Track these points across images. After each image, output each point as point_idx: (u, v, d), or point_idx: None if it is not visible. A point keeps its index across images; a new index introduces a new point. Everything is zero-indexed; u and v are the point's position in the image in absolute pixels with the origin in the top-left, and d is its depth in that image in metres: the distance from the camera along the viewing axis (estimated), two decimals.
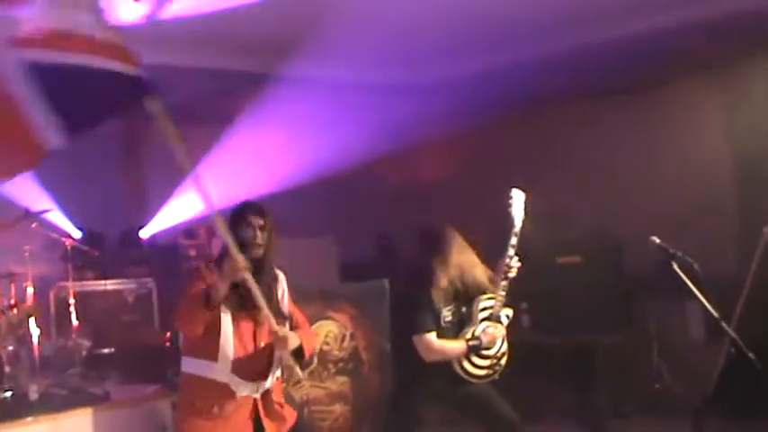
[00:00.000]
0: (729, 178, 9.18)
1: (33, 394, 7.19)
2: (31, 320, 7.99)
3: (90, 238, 9.68)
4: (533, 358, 8.46)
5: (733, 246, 8.78)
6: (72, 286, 8.60)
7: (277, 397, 4.75)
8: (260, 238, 4.66)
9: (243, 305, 4.54)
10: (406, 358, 5.63)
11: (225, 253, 4.39)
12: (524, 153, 10.50)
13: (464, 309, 5.63)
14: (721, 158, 9.25)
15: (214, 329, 4.47)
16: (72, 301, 8.52)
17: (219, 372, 4.51)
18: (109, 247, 10.12)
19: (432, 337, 5.42)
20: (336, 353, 6.80)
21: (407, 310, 5.54)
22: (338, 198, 11.33)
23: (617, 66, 8.90)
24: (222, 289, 4.31)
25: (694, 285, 5.16)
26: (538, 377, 8.53)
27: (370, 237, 11.38)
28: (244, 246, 4.47)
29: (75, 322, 8.43)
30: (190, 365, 4.63)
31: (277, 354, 4.54)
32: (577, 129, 10.16)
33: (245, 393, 4.56)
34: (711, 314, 5.14)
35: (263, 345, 4.62)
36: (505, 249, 5.55)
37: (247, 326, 4.60)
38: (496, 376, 5.65)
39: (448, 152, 11.73)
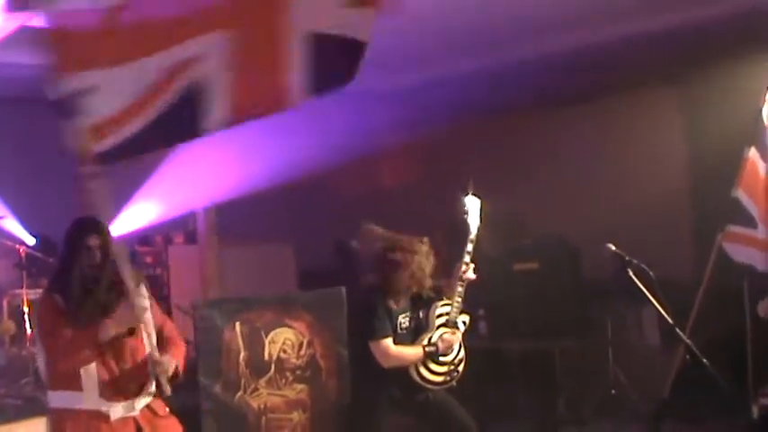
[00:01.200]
0: (685, 185, 9.28)
1: None
2: None
3: (44, 245, 9.56)
4: (490, 364, 8.50)
5: (688, 252, 8.87)
6: (26, 294, 8.49)
7: (160, 410, 4.57)
8: (98, 257, 4.47)
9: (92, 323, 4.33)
10: (363, 365, 5.62)
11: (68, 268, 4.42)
12: (482, 160, 10.53)
13: (421, 314, 5.64)
14: (677, 166, 9.35)
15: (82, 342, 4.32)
16: (26, 309, 8.42)
17: (87, 400, 4.31)
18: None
19: (388, 342, 5.42)
20: (294, 361, 6.77)
21: (363, 317, 5.54)
22: (296, 205, 11.31)
23: (574, 73, 8.97)
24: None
25: (649, 292, 5.21)
26: (495, 383, 8.57)
27: (329, 244, 11.36)
28: (83, 268, 4.41)
29: (29, 331, 8.33)
30: (56, 399, 4.42)
31: (150, 368, 4.39)
32: (535, 136, 10.23)
33: (119, 415, 4.37)
34: (666, 320, 5.19)
35: (128, 362, 4.43)
36: (461, 256, 5.57)
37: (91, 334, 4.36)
38: (454, 383, 5.66)
39: (406, 159, 11.74)
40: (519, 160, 10.33)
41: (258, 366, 6.58)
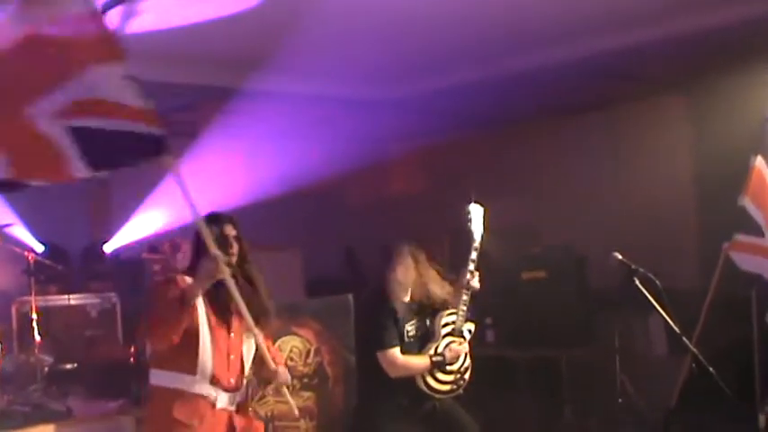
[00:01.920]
0: (692, 194, 9.28)
1: None
2: None
3: (53, 252, 9.60)
4: (498, 373, 8.51)
5: (694, 261, 8.88)
6: (34, 301, 8.51)
7: (247, 411, 4.78)
8: (235, 248, 4.63)
9: (220, 313, 4.52)
10: (370, 374, 5.63)
11: (199, 258, 4.35)
12: (490, 169, 10.56)
13: (427, 323, 5.65)
14: (684, 174, 9.36)
15: (192, 340, 4.41)
16: (34, 315, 8.43)
17: (199, 384, 4.45)
18: (72, 261, 10.04)
19: (396, 352, 5.43)
20: (301, 368, 6.79)
21: (371, 326, 5.55)
22: (304, 212, 11.34)
23: (583, 83, 8.98)
24: (199, 290, 4.29)
25: (656, 301, 5.22)
26: (502, 392, 8.57)
27: (336, 251, 11.38)
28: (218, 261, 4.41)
29: (37, 337, 8.34)
30: (163, 379, 4.52)
31: (249, 366, 4.62)
32: (543, 145, 10.25)
33: (222, 405, 4.52)
34: (673, 329, 5.19)
35: (233, 356, 4.57)
36: (466, 264, 5.58)
37: (222, 335, 4.53)
38: (460, 391, 5.67)
39: (414, 167, 11.78)
40: (527, 169, 10.35)
41: (265, 375, 6.59)
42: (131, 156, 3.69)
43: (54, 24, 3.49)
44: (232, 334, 4.58)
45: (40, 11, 3.50)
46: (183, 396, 4.44)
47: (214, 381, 4.47)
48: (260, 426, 4.88)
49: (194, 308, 4.39)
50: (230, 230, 4.65)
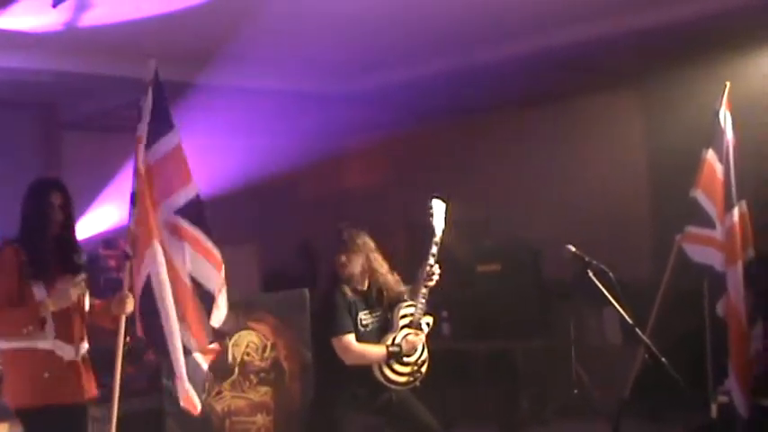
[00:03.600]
0: (645, 186, 9.37)
1: None
2: None
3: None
4: (453, 365, 8.55)
5: (647, 253, 8.96)
6: None
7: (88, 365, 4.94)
8: (61, 215, 4.80)
9: (46, 273, 4.69)
10: (326, 364, 5.64)
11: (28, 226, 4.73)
12: (444, 162, 10.59)
13: (387, 315, 5.66)
14: (637, 167, 9.44)
15: (29, 301, 4.63)
16: None
17: (44, 339, 4.65)
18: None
19: (350, 338, 5.44)
20: (258, 363, 6.78)
21: (325, 312, 5.56)
22: (260, 207, 11.30)
23: (537, 75, 9.03)
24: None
25: (609, 293, 5.26)
26: (458, 384, 8.62)
27: (292, 246, 11.36)
28: (45, 226, 4.72)
29: None
30: (12, 343, 4.70)
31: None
32: (497, 137, 10.29)
33: (70, 358, 4.74)
34: (627, 320, 5.24)
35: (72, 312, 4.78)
36: (426, 258, 5.60)
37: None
38: (417, 383, 5.69)
39: (370, 160, 11.78)
40: (481, 162, 10.38)
41: (222, 369, 6.58)
42: None
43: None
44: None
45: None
46: (29, 353, 4.66)
47: (58, 334, 4.69)
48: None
49: (24, 276, 4.63)
50: (57, 198, 4.80)
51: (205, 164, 9.57)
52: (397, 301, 5.68)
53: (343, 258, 5.56)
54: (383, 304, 5.67)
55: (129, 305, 4.74)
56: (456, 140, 10.62)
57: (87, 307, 4.91)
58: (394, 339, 5.55)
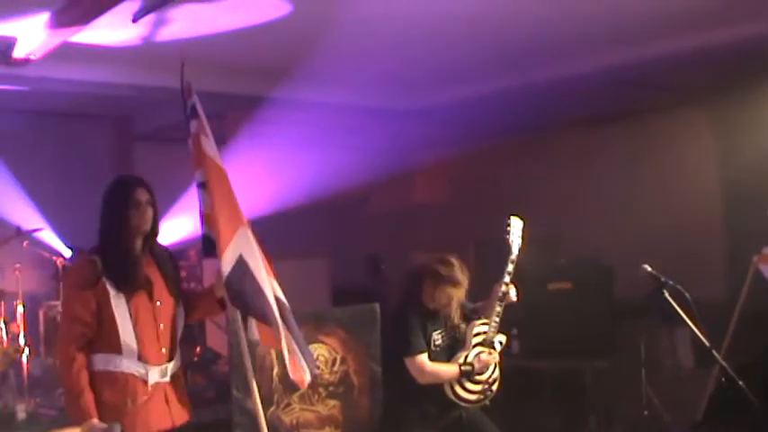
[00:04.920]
0: (719, 205, 9.23)
1: (21, 414, 7.17)
2: (21, 339, 7.99)
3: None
4: (523, 383, 8.48)
5: (723, 273, 8.83)
6: (61, 305, 8.57)
7: (182, 379, 4.59)
8: (149, 214, 4.48)
9: (134, 285, 4.33)
10: (397, 382, 5.64)
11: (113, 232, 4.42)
12: (516, 179, 10.56)
13: (456, 334, 5.65)
14: (711, 186, 9.30)
15: (107, 319, 4.23)
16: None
17: (127, 362, 4.25)
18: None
19: (424, 358, 5.44)
20: (327, 377, 6.80)
21: (400, 332, 5.55)
22: (331, 221, 11.36)
23: (609, 93, 8.97)
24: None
25: (685, 313, 5.20)
26: (527, 403, 8.55)
27: (363, 261, 11.39)
28: (130, 226, 4.39)
29: None
30: (98, 362, 4.25)
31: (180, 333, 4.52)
32: (568, 155, 10.23)
33: (155, 380, 4.34)
34: (701, 341, 5.17)
35: (162, 325, 4.41)
36: (502, 276, 5.59)
37: (145, 306, 4.35)
38: (487, 402, 5.67)
39: (441, 177, 11.78)
40: (553, 179, 10.32)
41: (291, 382, 6.60)
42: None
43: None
44: (158, 302, 4.41)
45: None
46: (113, 377, 4.25)
47: (142, 357, 4.29)
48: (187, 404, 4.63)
49: (101, 289, 4.24)
50: (143, 194, 4.47)
51: (278, 177, 9.72)
52: (466, 318, 5.66)
53: (420, 281, 5.56)
54: (451, 322, 5.66)
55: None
56: (527, 157, 10.57)
57: (180, 316, 4.56)
58: (466, 357, 5.54)
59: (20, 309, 8.17)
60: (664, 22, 7.16)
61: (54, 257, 8.81)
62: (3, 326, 8.05)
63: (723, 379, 5.20)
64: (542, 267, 8.99)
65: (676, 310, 5.20)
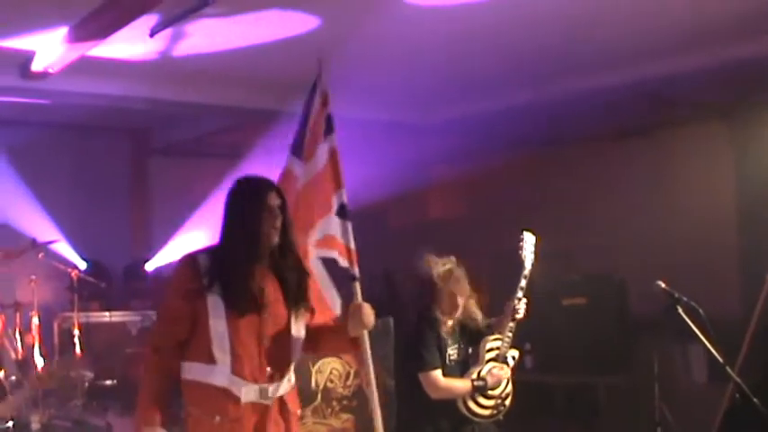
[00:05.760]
0: (734, 222, 9.22)
1: (35, 425, 7.21)
2: (35, 350, 8.04)
3: (95, 269, 9.73)
4: (536, 398, 8.48)
5: (737, 289, 8.81)
6: (76, 317, 8.63)
7: (293, 406, 4.09)
8: (280, 222, 3.94)
9: (243, 295, 3.84)
10: (410, 396, 5.64)
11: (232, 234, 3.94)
12: (530, 194, 10.55)
13: (469, 348, 5.66)
14: (726, 202, 9.29)
15: (201, 326, 3.83)
16: (76, 332, 8.55)
17: (218, 374, 3.81)
18: (114, 278, 10.16)
19: (438, 374, 5.44)
20: (341, 390, 6.81)
21: (415, 347, 5.56)
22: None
23: (623, 109, 8.97)
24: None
25: (699, 330, 5.19)
26: (540, 418, 8.54)
27: (378, 274, 11.39)
28: (261, 236, 3.88)
29: (78, 353, 8.45)
30: (189, 371, 3.91)
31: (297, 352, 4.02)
32: (583, 170, 10.22)
33: (251, 399, 3.84)
34: (715, 358, 5.16)
35: (268, 342, 3.91)
36: (514, 291, 5.59)
37: (250, 318, 3.85)
38: (501, 417, 5.67)
39: (455, 191, 11.79)
40: (568, 194, 10.32)
41: (305, 395, 6.62)
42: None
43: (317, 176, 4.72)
44: (266, 316, 3.90)
45: (311, 167, 4.76)
46: (203, 388, 3.84)
47: (236, 371, 3.82)
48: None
49: (200, 293, 3.82)
50: (274, 199, 3.96)
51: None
52: (480, 333, 5.67)
53: (434, 295, 5.58)
54: (465, 337, 5.68)
55: (371, 316, 4.18)
56: (543, 172, 10.58)
57: (297, 337, 4.03)
58: (479, 373, 5.54)
59: (35, 320, 8.22)
60: (683, 37, 7.18)
61: (69, 269, 8.87)
62: (18, 337, 8.10)
63: (737, 395, 5.18)
64: (556, 282, 9.00)
65: (690, 327, 5.19)
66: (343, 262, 4.61)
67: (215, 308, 3.79)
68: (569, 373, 8.73)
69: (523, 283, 5.61)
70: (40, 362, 8.19)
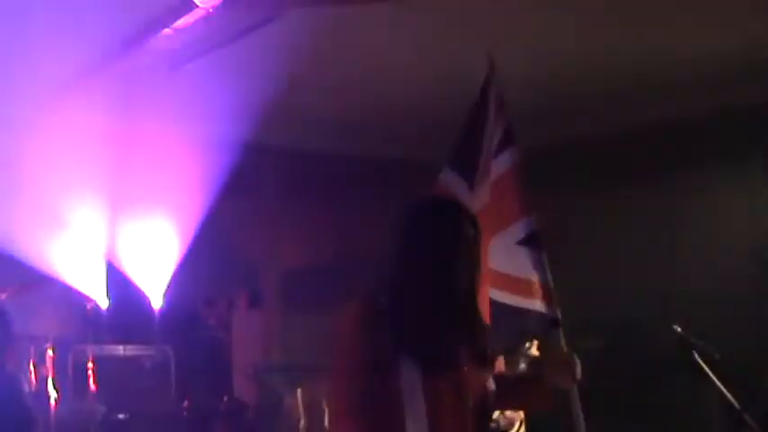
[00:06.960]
0: (748, 265, 9.17)
1: None
2: (49, 383, 8.03)
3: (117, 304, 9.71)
4: None
5: (752, 334, 8.75)
6: (90, 350, 8.62)
7: None
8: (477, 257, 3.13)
9: (443, 367, 3.04)
10: None
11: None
12: (545, 235, 10.51)
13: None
14: (742, 245, 9.25)
15: (390, 402, 2.93)
16: (90, 364, 8.53)
17: None
18: (129, 311, 10.14)
19: None
20: None
21: None
22: (362, 275, 11.36)
23: (638, 150, 8.97)
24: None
25: (715, 375, 5.16)
26: None
27: None
28: (456, 275, 3.03)
29: (92, 386, 8.43)
30: None
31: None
32: (599, 213, 10.18)
33: None
34: (732, 403, 5.13)
35: (470, 418, 3.13)
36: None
37: (451, 390, 3.06)
38: None
39: None
40: (582, 236, 10.28)
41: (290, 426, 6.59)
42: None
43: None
44: (465, 383, 3.12)
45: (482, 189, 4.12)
46: None
47: None
48: None
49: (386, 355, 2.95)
50: (470, 228, 3.12)
51: (313, 231, 9.74)
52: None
53: None
54: None
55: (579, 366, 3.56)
56: (561, 214, 10.54)
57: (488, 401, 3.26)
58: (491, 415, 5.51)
59: (49, 353, 8.22)
60: (695, 81, 7.20)
61: (84, 301, 8.87)
62: (32, 369, 8.09)
63: None
64: (570, 325, 8.94)
65: (707, 373, 5.17)
66: (533, 304, 4.05)
67: (410, 379, 2.95)
68: (585, 415, 8.65)
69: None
70: (53, 395, 8.17)
